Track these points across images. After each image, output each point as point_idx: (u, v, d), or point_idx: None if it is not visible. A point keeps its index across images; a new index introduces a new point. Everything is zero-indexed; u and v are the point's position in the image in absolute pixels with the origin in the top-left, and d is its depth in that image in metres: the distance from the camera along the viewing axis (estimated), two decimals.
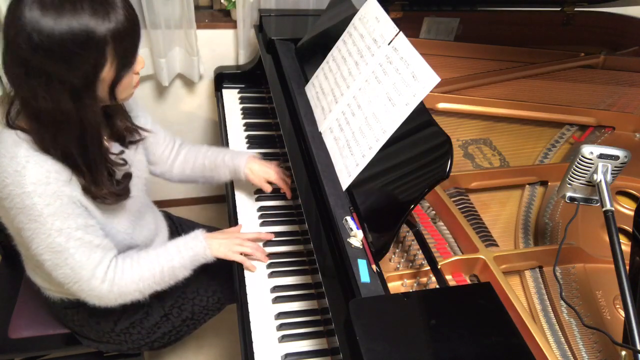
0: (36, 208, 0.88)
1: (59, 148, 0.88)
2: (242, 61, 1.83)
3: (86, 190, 0.94)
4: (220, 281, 1.31)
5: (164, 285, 1.10)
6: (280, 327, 1.06)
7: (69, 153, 0.89)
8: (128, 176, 1.04)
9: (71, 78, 0.82)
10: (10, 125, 0.90)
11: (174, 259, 1.09)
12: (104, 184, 0.96)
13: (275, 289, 1.13)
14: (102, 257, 0.99)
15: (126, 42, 0.85)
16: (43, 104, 0.83)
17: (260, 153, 1.48)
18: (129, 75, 0.91)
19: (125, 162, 1.04)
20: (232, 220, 1.31)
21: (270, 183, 1.29)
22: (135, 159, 1.11)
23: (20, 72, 0.82)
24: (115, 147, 1.06)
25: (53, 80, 0.81)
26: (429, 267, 0.94)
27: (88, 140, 0.90)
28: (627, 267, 0.82)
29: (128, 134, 1.09)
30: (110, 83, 0.88)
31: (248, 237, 1.19)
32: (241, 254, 1.16)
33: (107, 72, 0.86)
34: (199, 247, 1.12)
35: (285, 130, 1.23)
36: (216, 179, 1.32)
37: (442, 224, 1.10)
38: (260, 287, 1.13)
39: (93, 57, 0.82)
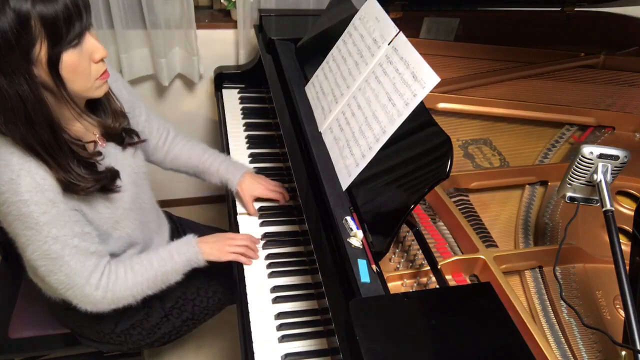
0: (32, 216, 0.88)
1: (16, 135, 0.84)
2: (242, 61, 1.83)
3: (61, 182, 0.90)
4: (221, 282, 1.31)
5: (156, 290, 1.12)
6: (280, 327, 1.05)
7: (26, 139, 0.85)
8: (112, 169, 1.00)
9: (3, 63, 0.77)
10: None
11: (167, 264, 1.11)
12: (72, 170, 0.91)
13: (275, 289, 1.13)
14: (97, 264, 1.00)
15: (55, 16, 0.78)
16: None
17: (260, 153, 1.48)
18: (73, 56, 0.83)
19: (100, 153, 0.99)
20: (232, 220, 1.31)
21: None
22: (130, 153, 1.10)
23: None
24: (109, 147, 1.05)
25: None
26: (429, 267, 0.93)
27: (35, 119, 0.84)
28: (627, 267, 0.82)
29: (127, 136, 1.08)
30: (46, 63, 0.81)
31: (239, 238, 1.19)
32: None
33: (40, 51, 0.79)
34: (192, 252, 1.14)
35: (285, 130, 1.23)
36: (207, 181, 1.34)
37: (442, 223, 1.10)
38: (260, 287, 1.13)
39: (20, 36, 0.76)
